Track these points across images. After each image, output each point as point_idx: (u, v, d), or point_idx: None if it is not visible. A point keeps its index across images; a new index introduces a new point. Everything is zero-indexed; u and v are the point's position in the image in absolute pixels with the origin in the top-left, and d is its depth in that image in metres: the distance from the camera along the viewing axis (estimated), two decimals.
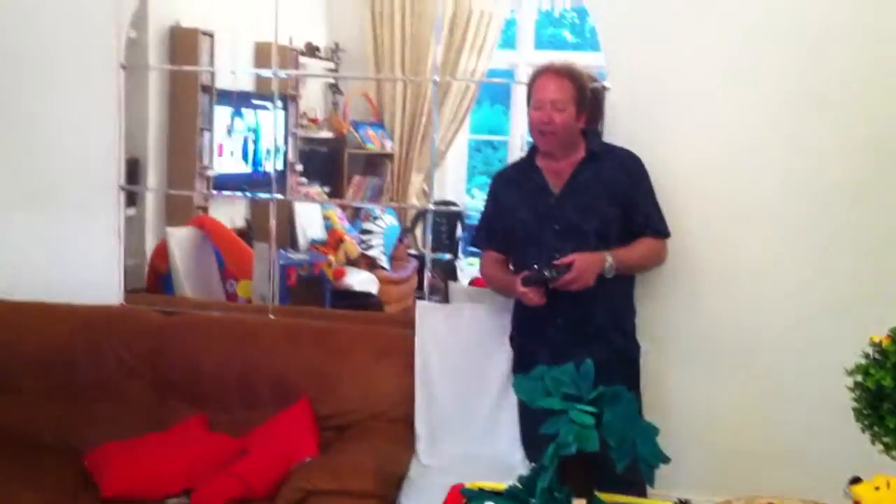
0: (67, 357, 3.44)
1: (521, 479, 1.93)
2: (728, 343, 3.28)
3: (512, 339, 3.17)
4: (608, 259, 2.84)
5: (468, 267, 6.62)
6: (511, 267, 3.08)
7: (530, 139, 3.10)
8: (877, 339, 1.83)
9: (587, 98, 2.97)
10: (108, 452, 3.05)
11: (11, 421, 3.33)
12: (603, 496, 1.91)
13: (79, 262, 3.70)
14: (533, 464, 2.05)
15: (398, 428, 3.24)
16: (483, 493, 2.00)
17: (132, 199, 4.57)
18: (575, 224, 2.93)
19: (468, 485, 2.08)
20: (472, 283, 4.71)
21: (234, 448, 3.06)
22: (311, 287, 5.30)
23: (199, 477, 2.91)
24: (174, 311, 3.64)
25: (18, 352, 3.44)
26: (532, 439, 2.99)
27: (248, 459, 2.98)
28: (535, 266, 2.83)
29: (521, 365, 3.03)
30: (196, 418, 3.26)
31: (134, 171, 4.64)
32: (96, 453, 3.07)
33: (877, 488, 1.74)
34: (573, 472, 1.81)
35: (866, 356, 1.83)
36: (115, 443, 3.10)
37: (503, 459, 3.12)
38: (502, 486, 2.00)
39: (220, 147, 5.47)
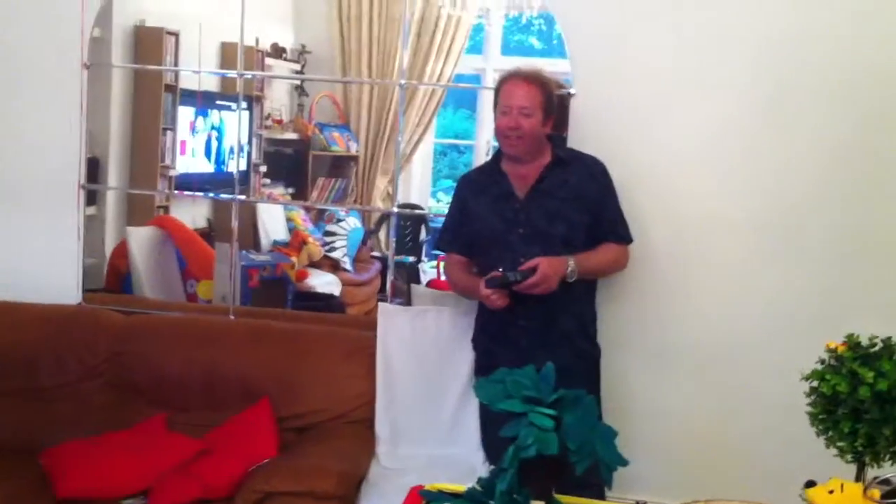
0: (26, 356, 3.40)
1: (480, 481, 1.93)
2: (688, 348, 3.31)
3: (475, 341, 3.18)
4: (570, 263, 2.86)
5: (431, 270, 6.61)
6: (475, 270, 3.09)
7: (496, 143, 3.11)
8: (833, 346, 1.86)
9: (554, 104, 2.99)
10: (65, 452, 3.01)
11: None
12: (562, 498, 1.92)
13: (38, 261, 3.67)
14: (493, 466, 2.06)
15: (359, 429, 3.23)
16: (442, 495, 2.00)
17: (92, 197, 4.51)
18: (541, 229, 2.95)
19: (428, 486, 2.08)
20: (429, 284, 4.71)
21: (193, 448, 3.03)
22: (274, 288, 5.27)
23: (157, 477, 2.89)
24: (134, 312, 3.61)
25: None
26: (492, 442, 3.00)
27: (207, 460, 2.96)
28: (500, 269, 2.84)
29: (484, 367, 3.04)
30: (155, 418, 3.23)
31: (95, 169, 4.58)
32: (53, 453, 3.03)
33: (831, 492, 1.77)
34: (533, 474, 1.82)
35: (822, 362, 1.86)
36: (71, 442, 3.06)
37: (464, 462, 3.12)
38: (462, 488, 2.00)
39: (183, 144, 5.43)
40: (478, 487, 1.91)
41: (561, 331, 2.95)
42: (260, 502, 2.73)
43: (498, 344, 3.02)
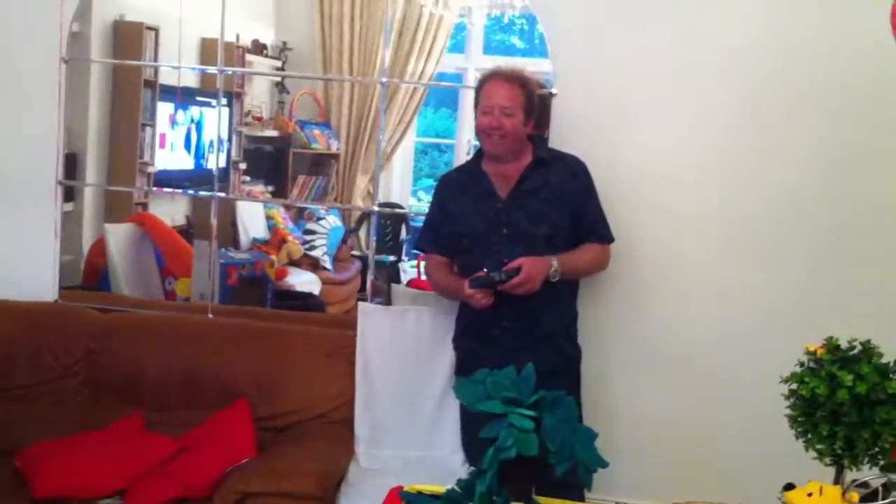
0: (1, 354, 3.36)
1: (460, 482, 1.93)
2: (669, 349, 3.32)
3: (456, 341, 3.17)
4: (554, 263, 2.86)
5: (412, 269, 6.60)
6: (456, 270, 3.08)
7: (477, 143, 3.11)
8: (812, 348, 1.87)
9: (535, 104, 2.99)
10: (41, 451, 2.98)
11: None
12: (541, 500, 1.91)
13: (14, 258, 3.63)
14: (473, 467, 2.05)
15: (338, 430, 3.22)
16: (422, 497, 1.99)
17: (70, 194, 4.48)
18: (523, 229, 2.95)
19: (407, 488, 2.07)
20: (409, 284, 4.70)
21: (171, 448, 3.01)
22: (253, 287, 5.23)
23: (134, 477, 2.86)
24: (112, 309, 3.58)
25: None
26: (473, 443, 2.99)
27: (185, 460, 2.94)
28: (485, 269, 2.84)
29: (465, 368, 3.03)
30: (132, 417, 3.20)
31: (73, 165, 4.54)
32: (29, 452, 2.99)
33: (809, 494, 1.77)
34: (512, 475, 1.81)
35: (801, 365, 1.86)
36: (48, 442, 3.02)
37: (444, 463, 3.12)
38: (441, 489, 1.99)
39: (163, 138, 5.40)
40: (457, 489, 1.91)
41: (543, 331, 2.95)
42: (238, 503, 2.71)
43: (479, 344, 3.01)
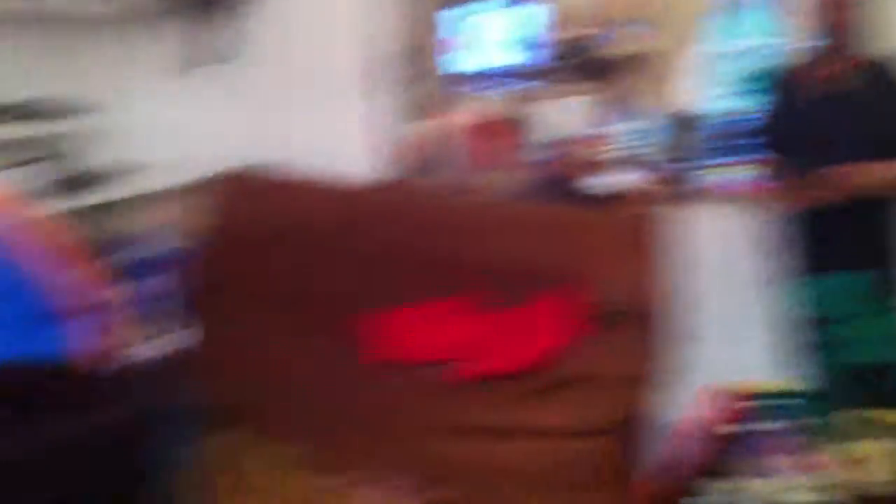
0: (341, 229, 3.44)
1: (797, 387, 1.89)
2: None
3: (786, 246, 3.08)
4: (888, 170, 2.72)
5: (720, 174, 6.44)
6: (788, 172, 3.00)
7: (800, 44, 2.97)
8: None
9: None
10: (373, 319, 3.21)
11: (283, 284, 3.35)
12: (881, 412, 1.82)
13: (331, 152, 3.79)
14: (802, 373, 2.01)
15: (653, 325, 3.21)
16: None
17: (389, 89, 4.69)
18: (853, 133, 2.86)
19: (717, 385, 2.05)
20: (722, 188, 4.62)
21: (494, 326, 3.14)
22: (560, 184, 5.30)
23: (457, 351, 3.07)
24: (433, 197, 3.72)
25: (295, 223, 3.42)
26: (803, 349, 2.91)
27: (505, 339, 3.09)
28: (818, 171, 2.75)
29: (798, 273, 2.96)
30: (457, 297, 3.29)
31: (397, 62, 4.75)
32: (361, 320, 3.21)
33: None
34: (853, 383, 1.75)
35: None
36: (378, 311, 3.22)
37: (760, 365, 3.06)
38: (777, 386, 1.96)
39: (473, 35, 5.54)
40: (795, 390, 1.88)
41: (882, 242, 2.79)
42: (556, 386, 2.84)
43: (813, 250, 2.92)
